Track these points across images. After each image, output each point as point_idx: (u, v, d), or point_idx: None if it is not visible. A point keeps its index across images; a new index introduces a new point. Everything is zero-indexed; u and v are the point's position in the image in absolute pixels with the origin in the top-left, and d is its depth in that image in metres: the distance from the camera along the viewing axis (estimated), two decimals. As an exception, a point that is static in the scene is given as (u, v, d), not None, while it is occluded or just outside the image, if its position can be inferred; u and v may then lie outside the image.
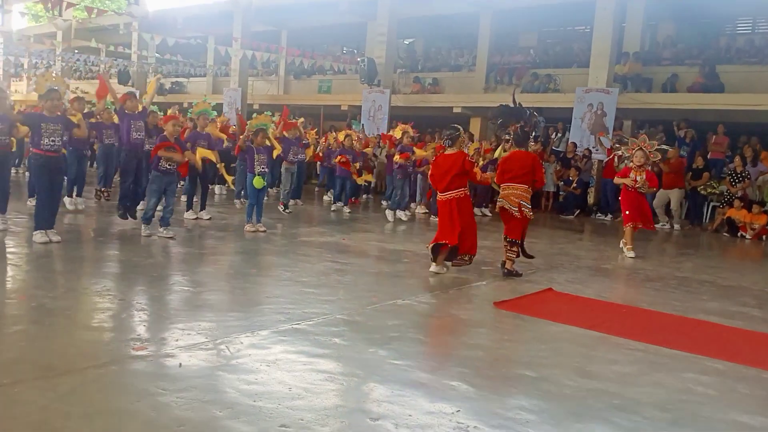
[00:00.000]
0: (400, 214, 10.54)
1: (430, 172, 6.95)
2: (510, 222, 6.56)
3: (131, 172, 8.01)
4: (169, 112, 11.61)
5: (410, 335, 4.26)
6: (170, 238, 7.19)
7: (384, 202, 12.84)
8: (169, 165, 7.29)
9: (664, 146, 8.55)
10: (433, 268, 6.41)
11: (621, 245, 8.65)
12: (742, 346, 4.62)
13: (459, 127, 6.58)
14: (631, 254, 8.31)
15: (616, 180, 8.72)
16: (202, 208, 9.07)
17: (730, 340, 4.74)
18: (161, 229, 7.30)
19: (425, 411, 3.00)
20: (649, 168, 8.70)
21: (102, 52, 27.57)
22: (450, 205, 6.27)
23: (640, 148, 8.35)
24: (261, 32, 22.07)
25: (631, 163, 8.50)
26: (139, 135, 8.11)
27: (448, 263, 6.46)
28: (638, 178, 8.34)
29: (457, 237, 6.16)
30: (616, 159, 10.39)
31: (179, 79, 26.60)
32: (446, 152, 6.47)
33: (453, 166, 6.25)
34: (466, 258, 6.47)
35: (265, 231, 8.22)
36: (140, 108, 8.43)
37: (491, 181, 7.12)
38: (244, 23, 20.96)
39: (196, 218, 8.85)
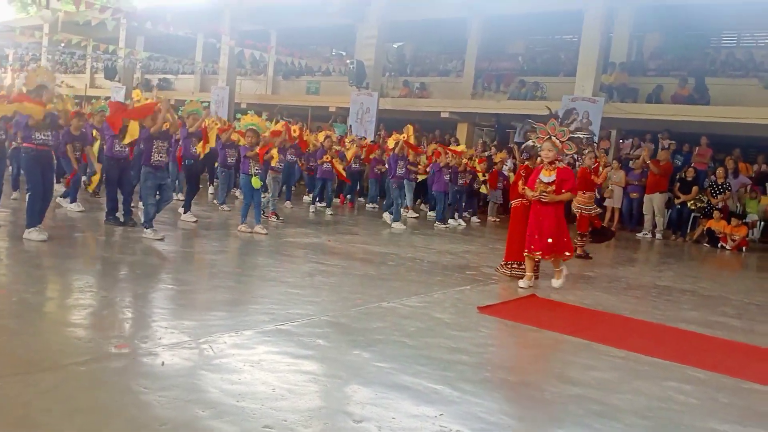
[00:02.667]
0: (395, 222, 10.45)
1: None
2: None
3: (115, 182, 7.87)
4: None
5: (394, 338, 4.27)
6: (160, 239, 7.08)
7: (369, 205, 12.88)
8: (160, 158, 7.22)
9: (580, 134, 6.61)
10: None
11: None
12: (723, 355, 4.68)
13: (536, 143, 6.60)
14: (556, 283, 6.43)
15: (522, 190, 6.65)
16: (188, 209, 8.93)
17: (710, 350, 4.80)
18: (148, 230, 7.17)
19: (408, 414, 3.01)
20: (565, 163, 6.85)
21: (89, 47, 27.37)
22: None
23: (550, 137, 6.33)
24: (250, 31, 21.99)
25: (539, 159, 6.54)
26: (122, 148, 7.85)
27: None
28: (542, 182, 6.28)
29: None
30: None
31: (167, 76, 26.44)
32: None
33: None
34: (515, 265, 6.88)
35: (266, 233, 8.13)
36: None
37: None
38: (233, 21, 20.90)
39: (196, 221, 8.69)
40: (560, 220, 6.39)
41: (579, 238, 8.97)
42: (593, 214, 9.01)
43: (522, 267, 6.76)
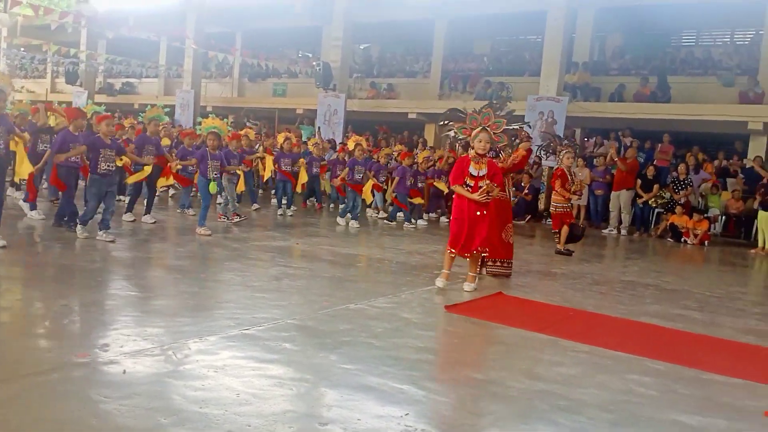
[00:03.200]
0: (351, 222, 10.49)
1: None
2: None
3: (70, 187, 7.72)
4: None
5: (361, 339, 4.26)
6: (110, 241, 7.00)
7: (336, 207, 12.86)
8: (108, 167, 7.14)
9: (515, 124, 6.28)
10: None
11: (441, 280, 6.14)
12: (683, 347, 4.78)
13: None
14: (469, 286, 6.05)
15: (454, 187, 6.01)
16: (147, 212, 8.85)
17: (671, 342, 4.89)
18: (101, 233, 7.08)
19: (374, 415, 3.01)
20: (493, 155, 6.60)
21: (49, 51, 26.81)
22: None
23: (484, 129, 5.84)
24: (215, 33, 21.82)
25: (472, 151, 5.95)
26: (76, 157, 7.71)
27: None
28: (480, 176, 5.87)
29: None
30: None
31: (130, 80, 26.05)
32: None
33: None
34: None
35: (209, 234, 8.12)
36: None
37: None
38: (197, 24, 20.70)
39: (154, 222, 8.66)
40: (493, 221, 6.33)
41: (555, 236, 9.21)
42: (565, 212, 9.11)
43: (503, 264, 6.86)
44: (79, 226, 7.16)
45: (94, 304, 4.71)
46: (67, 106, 9.40)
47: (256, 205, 11.83)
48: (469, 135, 5.90)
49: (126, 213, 8.79)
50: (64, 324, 4.15)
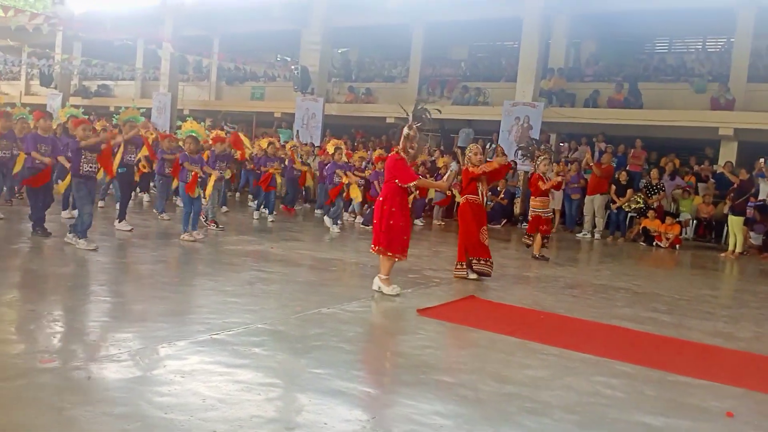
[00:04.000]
0: (332, 225, 10.50)
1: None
2: None
3: (38, 191, 7.62)
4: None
5: (332, 344, 4.26)
6: (93, 249, 6.88)
7: (318, 212, 12.84)
8: (90, 168, 7.05)
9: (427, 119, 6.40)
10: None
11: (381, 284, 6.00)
12: (650, 349, 4.84)
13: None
14: (392, 290, 5.90)
15: (417, 182, 6.12)
16: (120, 217, 8.68)
17: (639, 344, 4.96)
18: (78, 240, 6.97)
19: (341, 419, 3.01)
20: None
21: (24, 53, 26.42)
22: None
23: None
24: (192, 36, 21.67)
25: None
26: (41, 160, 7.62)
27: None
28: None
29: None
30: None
31: (106, 82, 25.77)
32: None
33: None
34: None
35: (203, 238, 8.11)
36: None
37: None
38: (174, 27, 20.59)
39: (131, 229, 8.53)
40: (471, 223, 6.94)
41: (526, 237, 9.29)
42: (543, 218, 9.17)
43: (486, 263, 6.99)
44: (81, 241, 6.87)
45: (63, 310, 4.65)
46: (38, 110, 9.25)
47: (225, 208, 11.75)
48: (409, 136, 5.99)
49: (121, 221, 8.61)
50: (30, 329, 4.09)
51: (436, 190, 13.23)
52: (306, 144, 15.99)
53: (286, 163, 12.59)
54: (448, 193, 12.47)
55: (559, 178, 9.97)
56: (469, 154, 7.31)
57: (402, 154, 5.94)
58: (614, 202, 13.02)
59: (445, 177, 6.56)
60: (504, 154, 7.83)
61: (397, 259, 5.97)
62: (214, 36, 22.88)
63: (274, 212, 11.42)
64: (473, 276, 7.00)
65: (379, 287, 5.93)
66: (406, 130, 6.03)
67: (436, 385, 3.65)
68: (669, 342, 5.11)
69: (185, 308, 5.01)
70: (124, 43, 20.46)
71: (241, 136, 11.70)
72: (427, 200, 13.60)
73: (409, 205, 6.94)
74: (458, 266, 7.12)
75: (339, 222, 10.75)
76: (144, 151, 10.06)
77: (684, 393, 3.84)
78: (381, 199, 6.01)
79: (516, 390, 3.62)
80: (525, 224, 13.72)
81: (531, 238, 9.22)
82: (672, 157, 14.42)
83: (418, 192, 9.57)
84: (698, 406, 3.62)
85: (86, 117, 10.51)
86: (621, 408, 3.49)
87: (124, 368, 3.44)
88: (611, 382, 3.89)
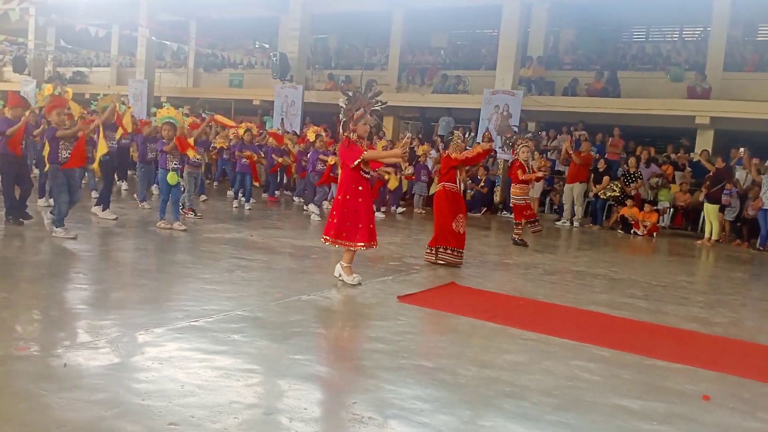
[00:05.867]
0: (314, 209, 10.50)
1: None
2: None
3: (11, 179, 7.48)
4: None
5: (312, 330, 4.25)
6: (72, 238, 6.78)
7: (296, 199, 12.78)
8: (68, 154, 6.93)
9: (378, 106, 5.83)
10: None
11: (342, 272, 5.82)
12: (627, 334, 4.90)
13: (453, 131, 6.73)
14: (352, 279, 5.72)
15: (366, 154, 5.56)
16: (104, 205, 8.56)
17: (616, 329, 5.02)
18: (47, 222, 6.85)
19: (320, 404, 3.01)
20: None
21: (-6, 38, 25.84)
22: None
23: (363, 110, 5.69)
24: (168, 22, 21.33)
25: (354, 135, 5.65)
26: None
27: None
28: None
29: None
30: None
31: (81, 69, 25.33)
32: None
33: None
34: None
35: (185, 230, 7.97)
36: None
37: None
38: (150, 11, 20.21)
39: (116, 218, 8.40)
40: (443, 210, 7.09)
41: (515, 227, 9.35)
42: (524, 204, 9.24)
43: (453, 253, 7.03)
44: (58, 229, 6.76)
45: (37, 297, 4.58)
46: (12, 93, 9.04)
47: (203, 197, 11.65)
48: (351, 117, 5.60)
49: (105, 210, 8.48)
50: (4, 317, 4.02)
51: (410, 180, 13.23)
52: (288, 132, 15.89)
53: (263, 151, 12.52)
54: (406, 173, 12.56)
55: (540, 174, 10.02)
56: (458, 141, 7.34)
57: (352, 136, 5.60)
58: (591, 191, 13.15)
59: (400, 144, 6.09)
60: (491, 140, 7.85)
61: (353, 249, 5.67)
62: (190, 21, 22.56)
63: (252, 200, 11.35)
64: (442, 261, 7.05)
65: (340, 275, 5.76)
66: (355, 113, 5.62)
67: (415, 369, 3.66)
68: (646, 327, 5.17)
69: (163, 295, 4.96)
70: (99, 25, 20.07)
71: (222, 117, 11.57)
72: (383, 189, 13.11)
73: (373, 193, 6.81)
74: (428, 251, 7.19)
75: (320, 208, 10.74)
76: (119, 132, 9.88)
77: (660, 377, 3.89)
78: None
79: (495, 374, 3.64)
80: (505, 213, 13.85)
81: (520, 227, 9.27)
82: (648, 147, 14.58)
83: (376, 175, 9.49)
84: (674, 390, 3.67)
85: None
86: (598, 391, 3.53)
87: (101, 355, 3.40)
88: (589, 366, 3.93)
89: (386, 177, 11.23)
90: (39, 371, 3.14)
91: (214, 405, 2.87)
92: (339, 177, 6.07)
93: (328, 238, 5.69)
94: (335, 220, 5.64)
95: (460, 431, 2.86)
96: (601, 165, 13.20)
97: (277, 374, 3.36)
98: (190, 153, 8.68)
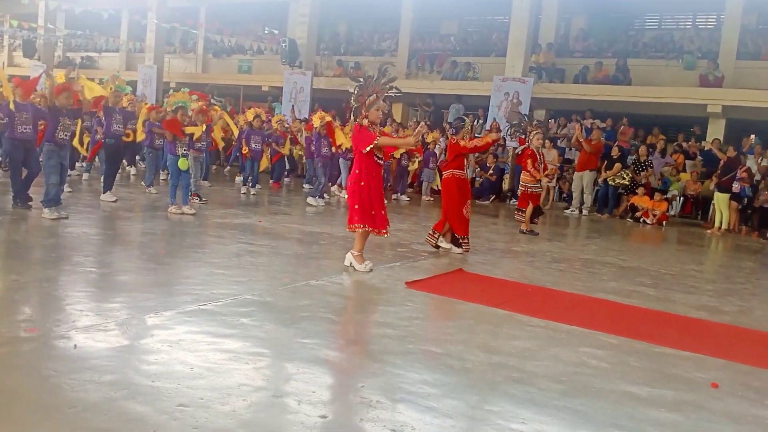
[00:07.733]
0: (316, 200, 10.47)
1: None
2: None
3: (19, 164, 7.50)
4: None
5: (320, 314, 4.26)
6: (64, 218, 6.82)
7: (306, 186, 12.78)
8: (65, 136, 6.96)
9: (393, 92, 5.85)
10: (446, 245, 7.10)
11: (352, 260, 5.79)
12: (636, 322, 4.89)
13: (464, 117, 6.75)
14: (364, 267, 5.70)
15: (378, 140, 5.57)
16: (106, 187, 8.63)
17: (625, 317, 5.00)
18: (47, 210, 6.87)
19: (328, 387, 3.02)
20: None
21: (5, 23, 25.87)
22: None
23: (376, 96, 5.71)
24: (178, 8, 21.30)
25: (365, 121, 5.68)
26: (25, 129, 7.33)
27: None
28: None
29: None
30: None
31: (90, 54, 25.35)
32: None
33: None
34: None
35: (194, 213, 8.03)
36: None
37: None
38: (159, -3, 20.18)
39: (116, 200, 8.49)
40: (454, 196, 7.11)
41: (517, 213, 9.32)
42: (532, 193, 9.18)
43: (463, 240, 7.09)
44: (45, 210, 6.81)
45: (48, 280, 4.61)
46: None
47: (207, 183, 11.66)
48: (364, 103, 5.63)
49: (106, 192, 8.55)
50: (15, 299, 4.06)
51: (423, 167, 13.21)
52: (297, 120, 15.87)
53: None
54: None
55: (545, 179, 9.98)
56: (468, 127, 7.32)
57: (364, 122, 5.62)
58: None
59: (415, 132, 6.18)
60: (499, 130, 7.84)
61: (361, 231, 5.65)
62: (200, 7, 22.50)
63: (258, 185, 11.38)
64: (446, 245, 7.12)
65: (351, 263, 5.75)
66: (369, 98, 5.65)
67: (423, 355, 3.66)
68: (654, 315, 5.15)
69: (172, 279, 4.98)
70: (109, 12, 20.05)
71: (226, 116, 11.67)
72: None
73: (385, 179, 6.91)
74: (431, 233, 7.20)
75: (325, 197, 10.74)
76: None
77: (669, 364, 3.87)
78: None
79: (503, 360, 3.64)
80: (514, 201, 13.79)
81: (522, 213, 9.23)
82: (657, 134, 14.46)
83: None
84: (683, 377, 3.66)
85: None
86: (606, 378, 3.52)
87: (110, 337, 3.42)
88: (597, 353, 3.92)
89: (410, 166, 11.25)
90: (49, 352, 3.16)
91: (222, 387, 2.88)
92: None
93: (360, 225, 5.64)
94: (358, 206, 5.64)
95: (467, 416, 2.87)
96: (615, 152, 13.12)
97: (286, 358, 3.37)
98: (197, 132, 8.66)
